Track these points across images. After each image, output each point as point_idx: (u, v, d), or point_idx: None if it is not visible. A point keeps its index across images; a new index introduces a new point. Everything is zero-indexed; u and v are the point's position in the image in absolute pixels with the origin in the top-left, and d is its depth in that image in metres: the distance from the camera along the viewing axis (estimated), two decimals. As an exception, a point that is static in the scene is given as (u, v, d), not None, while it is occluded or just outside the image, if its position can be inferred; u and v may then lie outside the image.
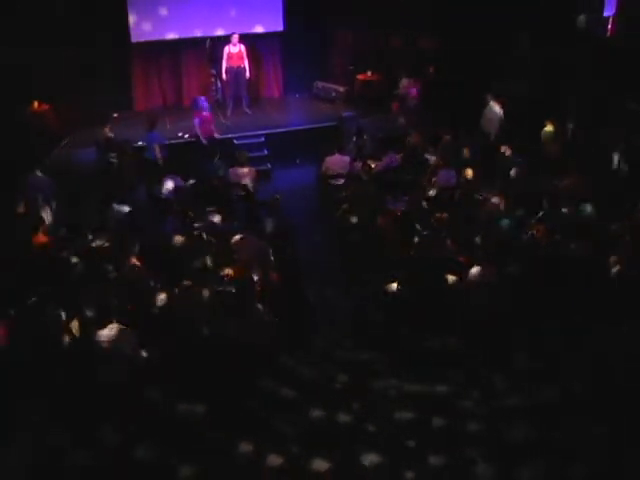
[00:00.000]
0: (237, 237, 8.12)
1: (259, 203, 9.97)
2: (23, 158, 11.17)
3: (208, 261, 7.76)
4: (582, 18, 13.37)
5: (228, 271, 7.54)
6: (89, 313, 6.64)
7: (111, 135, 12.22)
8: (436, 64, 14.53)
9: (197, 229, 8.53)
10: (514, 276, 7.44)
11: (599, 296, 7.18)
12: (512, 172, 10.19)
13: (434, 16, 14.48)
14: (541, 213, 8.72)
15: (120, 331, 6.16)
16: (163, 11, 14.93)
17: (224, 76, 14.32)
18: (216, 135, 13.00)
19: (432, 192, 10.19)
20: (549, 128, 11.55)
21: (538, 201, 9.01)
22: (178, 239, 8.13)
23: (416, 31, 15.10)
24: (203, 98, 13.13)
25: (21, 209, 9.72)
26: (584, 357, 6.47)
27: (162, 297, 7.03)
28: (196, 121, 12.77)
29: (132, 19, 14.70)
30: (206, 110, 12.84)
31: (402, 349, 6.91)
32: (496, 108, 12.45)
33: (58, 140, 13.17)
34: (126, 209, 9.45)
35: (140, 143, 12.44)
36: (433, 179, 10.56)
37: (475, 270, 7.41)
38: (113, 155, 11.77)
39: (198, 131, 12.74)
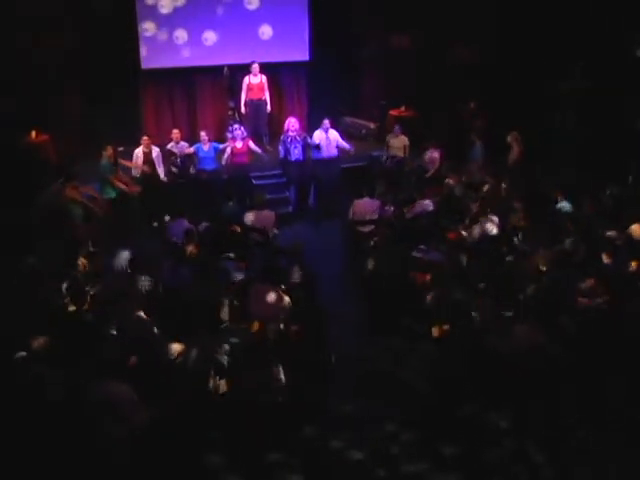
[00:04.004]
0: (255, 287, 8.19)
1: (278, 250, 10.02)
2: (18, 194, 11.38)
3: (223, 312, 7.83)
4: None
5: (244, 324, 7.62)
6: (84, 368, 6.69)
7: None
8: (477, 99, 14.62)
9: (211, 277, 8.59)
10: (566, 336, 7.41)
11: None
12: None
13: (480, 43, 14.66)
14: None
15: (118, 388, 6.19)
16: (177, 35, 15.16)
17: (243, 109, 14.47)
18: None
19: (471, 242, 10.19)
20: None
21: (594, 253, 8.99)
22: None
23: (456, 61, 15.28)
24: (236, 126, 13.28)
25: None
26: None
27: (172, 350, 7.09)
28: (227, 151, 12.99)
29: (143, 44, 14.96)
30: (238, 139, 12.97)
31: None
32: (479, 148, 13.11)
33: (57, 175, 13.27)
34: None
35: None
36: (473, 226, 10.56)
37: (521, 330, 7.38)
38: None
39: (226, 162, 12.99)
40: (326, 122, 13.32)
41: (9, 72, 12.64)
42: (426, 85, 15.26)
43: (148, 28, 14.97)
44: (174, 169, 12.87)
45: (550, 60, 13.87)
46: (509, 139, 13.35)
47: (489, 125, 14.08)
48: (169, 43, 15.12)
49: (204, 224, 10.66)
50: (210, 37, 15.29)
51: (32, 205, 11.60)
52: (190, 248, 9.41)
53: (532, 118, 13.62)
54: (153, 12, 14.92)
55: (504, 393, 7.10)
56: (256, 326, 7.60)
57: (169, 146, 12.92)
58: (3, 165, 11.80)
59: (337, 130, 13.91)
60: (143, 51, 15.02)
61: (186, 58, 15.26)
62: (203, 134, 12.98)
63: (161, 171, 12.88)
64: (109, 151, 12.21)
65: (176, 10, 15.02)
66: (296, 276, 8.82)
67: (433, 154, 13.59)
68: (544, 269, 8.81)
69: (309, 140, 13.38)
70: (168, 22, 15.05)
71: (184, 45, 15.19)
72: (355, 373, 8.18)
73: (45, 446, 5.99)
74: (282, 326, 7.76)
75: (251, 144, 13.20)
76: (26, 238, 10.29)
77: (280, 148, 13.41)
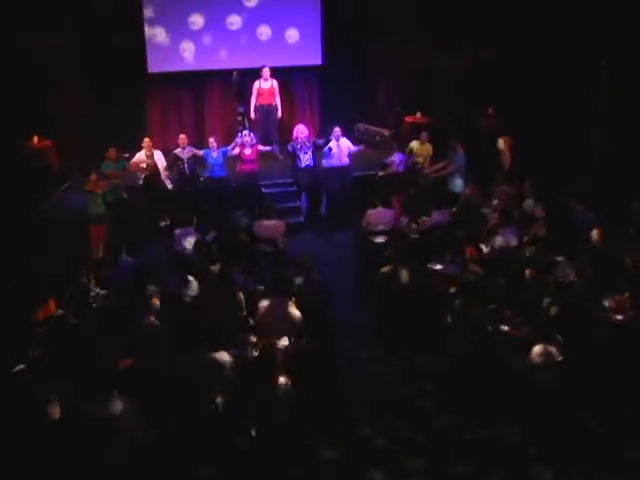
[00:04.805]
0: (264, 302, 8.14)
1: (288, 261, 9.96)
2: (20, 203, 11.38)
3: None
4: None
5: (252, 338, 7.57)
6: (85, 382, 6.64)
7: None
8: (496, 105, 14.55)
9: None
10: (589, 354, 7.33)
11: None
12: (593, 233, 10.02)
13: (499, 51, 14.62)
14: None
15: (122, 404, 6.12)
16: (185, 38, 15.15)
17: (253, 115, 14.43)
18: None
19: (489, 253, 10.10)
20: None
21: (620, 266, 8.89)
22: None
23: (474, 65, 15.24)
24: (245, 132, 13.21)
25: None
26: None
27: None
28: (235, 150, 12.91)
29: (149, 47, 14.94)
30: (248, 146, 12.89)
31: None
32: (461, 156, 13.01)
33: (60, 182, 13.28)
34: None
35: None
36: (491, 238, 10.47)
37: (540, 347, 7.30)
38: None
39: (233, 155, 12.93)
40: (337, 130, 13.22)
41: (9, 72, 12.63)
42: (440, 91, 15.21)
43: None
44: (171, 176, 12.86)
45: (564, 62, 13.83)
46: (500, 144, 13.25)
47: (503, 129, 14.00)
48: (175, 46, 15.11)
49: (211, 234, 10.63)
50: (214, 39, 15.30)
51: (34, 211, 11.63)
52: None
53: (543, 122, 13.56)
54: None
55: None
56: (264, 340, 7.54)
57: (176, 151, 12.90)
58: (4, 170, 11.79)
59: (350, 137, 13.84)
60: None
61: (193, 62, 15.25)
62: (212, 140, 12.90)
63: (164, 176, 12.84)
64: (112, 153, 12.38)
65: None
66: (306, 288, 8.76)
67: (394, 157, 13.54)
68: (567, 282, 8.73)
69: (318, 142, 13.32)
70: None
71: (190, 48, 15.17)
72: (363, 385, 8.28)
73: (43, 461, 5.95)
74: (292, 340, 7.72)
75: (261, 147, 13.17)
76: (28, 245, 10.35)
77: (289, 148, 13.37)
